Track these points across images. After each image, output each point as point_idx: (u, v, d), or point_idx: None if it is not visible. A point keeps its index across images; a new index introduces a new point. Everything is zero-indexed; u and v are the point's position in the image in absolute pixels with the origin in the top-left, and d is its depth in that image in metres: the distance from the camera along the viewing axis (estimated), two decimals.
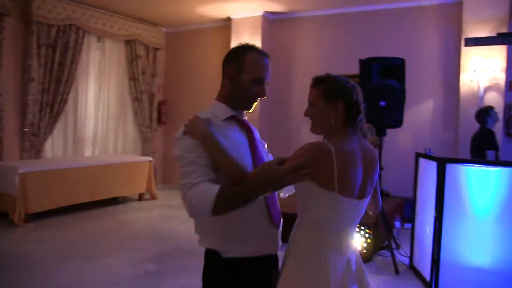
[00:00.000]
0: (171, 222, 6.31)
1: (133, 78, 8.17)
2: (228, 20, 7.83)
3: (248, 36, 7.53)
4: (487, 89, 6.04)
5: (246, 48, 1.85)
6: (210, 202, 1.63)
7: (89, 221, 6.23)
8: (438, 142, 6.23)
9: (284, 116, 7.72)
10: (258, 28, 7.50)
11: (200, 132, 1.73)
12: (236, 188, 1.66)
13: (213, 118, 1.82)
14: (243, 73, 1.81)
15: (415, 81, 6.16)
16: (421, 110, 6.66)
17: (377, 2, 6.79)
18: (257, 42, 7.44)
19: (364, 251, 4.68)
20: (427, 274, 4.09)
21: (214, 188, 1.65)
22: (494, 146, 4.97)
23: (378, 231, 4.87)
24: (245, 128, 1.91)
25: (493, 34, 5.70)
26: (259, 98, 1.87)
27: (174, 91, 8.88)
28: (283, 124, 7.75)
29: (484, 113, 5.16)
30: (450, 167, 3.95)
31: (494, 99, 5.99)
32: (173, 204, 7.42)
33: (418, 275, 4.32)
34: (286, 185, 1.70)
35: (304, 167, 1.65)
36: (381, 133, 4.88)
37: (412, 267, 4.56)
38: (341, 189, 1.71)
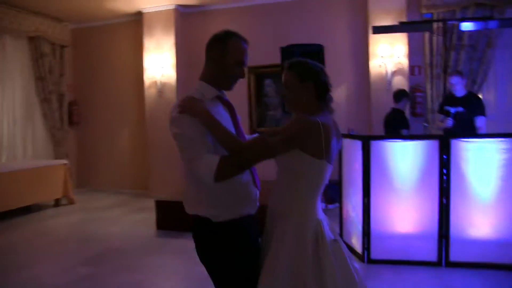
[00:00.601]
0: (96, 224, 5.90)
1: (40, 78, 7.51)
2: (139, 14, 7.49)
3: (161, 30, 7.27)
4: (393, 74, 6.40)
5: (229, 34, 2.01)
6: (212, 172, 1.83)
7: (4, 233, 5.62)
8: (354, 123, 6.50)
9: None
10: (171, 22, 7.26)
11: (199, 111, 1.88)
12: (235, 158, 1.88)
13: (201, 98, 1.98)
14: (227, 56, 1.99)
15: (331, 67, 6.35)
16: (337, 94, 6.90)
17: None
18: (171, 36, 7.24)
19: None
20: (359, 247, 4.23)
21: (215, 159, 1.85)
22: (407, 125, 5.30)
23: None
24: (228, 106, 2.09)
25: (396, 23, 6.07)
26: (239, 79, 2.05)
27: (85, 90, 8.33)
28: None
29: (402, 95, 5.46)
30: (374, 144, 4.12)
31: (400, 83, 6.37)
32: (94, 207, 6.97)
33: (350, 249, 4.45)
34: (279, 154, 1.92)
35: (295, 136, 1.87)
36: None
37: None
38: (327, 156, 1.95)
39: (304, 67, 2.03)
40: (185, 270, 4.17)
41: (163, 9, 7.25)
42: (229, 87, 2.09)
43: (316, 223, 1.97)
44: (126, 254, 4.69)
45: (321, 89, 2.02)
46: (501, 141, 3.87)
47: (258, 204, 2.10)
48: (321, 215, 2.03)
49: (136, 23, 7.68)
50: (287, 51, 4.90)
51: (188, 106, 1.90)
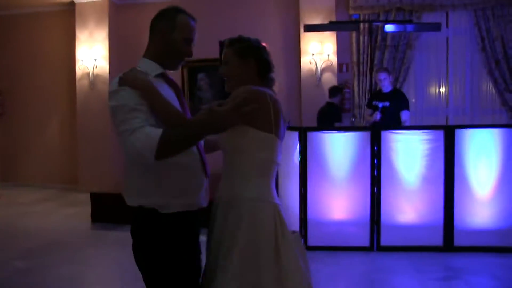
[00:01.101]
0: (28, 219, 5.57)
1: None
2: (72, 4, 7.05)
3: (94, 21, 6.92)
4: (323, 70, 6.57)
5: (177, 10, 1.85)
6: (154, 144, 1.59)
7: None
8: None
9: None
10: (104, 14, 6.93)
11: (140, 82, 1.69)
12: (180, 129, 1.66)
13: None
14: (175, 32, 1.81)
15: None
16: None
17: None
18: (104, 28, 6.93)
19: None
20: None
21: (158, 131, 1.61)
22: (340, 118, 5.50)
23: None
24: (173, 85, 1.89)
25: (326, 22, 6.24)
26: (186, 58, 1.86)
27: (10, 80, 7.70)
28: None
29: (337, 90, 5.67)
30: (310, 135, 4.19)
31: (329, 79, 6.56)
32: (21, 202, 6.55)
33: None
34: (228, 127, 1.68)
35: (244, 105, 1.64)
36: None
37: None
38: (276, 131, 1.78)
39: (245, 43, 1.88)
40: (125, 261, 4.01)
41: (97, 0, 6.89)
42: (175, 66, 1.90)
43: (274, 208, 1.77)
44: (63, 247, 4.50)
45: (262, 67, 1.87)
46: (424, 133, 4.11)
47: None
48: (277, 199, 1.82)
49: (68, 13, 7.23)
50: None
51: (129, 78, 1.70)
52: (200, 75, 7.11)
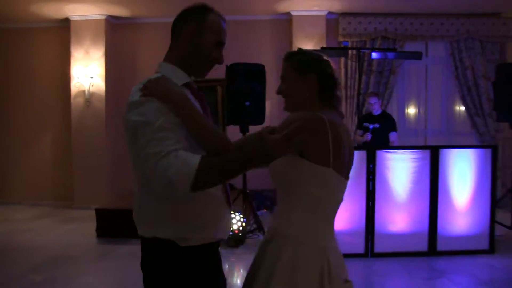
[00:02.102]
0: (27, 235, 5.98)
1: None
2: (66, 21, 7.61)
3: (90, 39, 7.50)
4: None
5: (207, 8, 1.69)
6: (191, 173, 1.40)
7: None
8: None
9: None
10: (101, 32, 7.52)
11: (173, 94, 1.49)
12: (222, 158, 1.50)
13: None
14: (206, 33, 1.66)
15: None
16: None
17: (223, 12, 7.60)
18: (100, 47, 7.53)
19: (240, 234, 5.43)
20: None
21: (195, 157, 1.43)
22: None
23: (247, 216, 5.66)
24: (198, 96, 1.73)
25: (316, 48, 7.14)
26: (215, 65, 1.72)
27: (2, 95, 8.06)
28: None
29: None
30: None
31: None
32: (17, 218, 6.96)
33: None
34: (278, 157, 1.54)
35: (297, 134, 1.55)
36: (245, 130, 5.68)
37: None
38: (335, 164, 1.63)
39: (305, 56, 1.78)
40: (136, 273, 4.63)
41: (93, 18, 7.50)
42: (202, 74, 1.74)
43: (322, 252, 1.63)
44: (74, 261, 4.95)
45: (325, 83, 1.71)
46: (413, 152, 5.01)
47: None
48: (332, 243, 1.70)
49: (62, 29, 7.75)
50: (231, 69, 5.60)
51: (158, 87, 1.50)
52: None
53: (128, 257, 5.03)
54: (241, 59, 7.05)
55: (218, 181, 1.54)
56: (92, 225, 6.18)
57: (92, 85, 7.48)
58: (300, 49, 1.91)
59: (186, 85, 1.66)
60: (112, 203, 6.64)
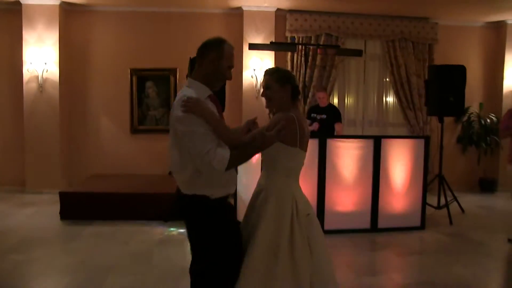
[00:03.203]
0: None
1: None
2: (17, 4, 7.44)
3: (43, 24, 7.41)
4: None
5: (223, 40, 2.45)
6: (225, 163, 2.27)
7: None
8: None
9: (83, 108, 8.02)
10: (55, 18, 7.44)
11: (206, 111, 2.30)
12: (241, 150, 2.37)
13: (199, 96, 2.34)
14: (222, 60, 2.39)
15: None
16: None
17: (174, 5, 7.83)
18: (54, 32, 7.51)
19: None
20: None
21: (227, 152, 2.28)
22: None
23: None
24: (215, 102, 2.47)
25: (266, 42, 7.61)
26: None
27: None
28: (82, 116, 8.03)
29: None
30: None
31: None
32: None
33: None
34: (271, 145, 2.46)
35: (282, 130, 2.43)
36: None
37: None
38: (300, 144, 2.59)
39: (283, 73, 2.69)
40: (107, 250, 4.94)
41: (46, 3, 7.43)
42: (217, 87, 2.48)
43: (292, 197, 2.56)
44: (48, 242, 5.15)
45: (295, 92, 2.65)
46: (359, 141, 5.68)
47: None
48: (297, 192, 2.62)
49: (12, 12, 7.59)
50: (194, 61, 5.91)
51: (194, 106, 2.26)
52: (148, 83, 8.03)
53: (98, 236, 5.35)
54: (190, 50, 7.38)
55: (239, 165, 2.44)
56: (50, 209, 6.40)
57: (46, 71, 7.43)
58: (278, 67, 2.83)
59: (208, 96, 2.43)
60: (77, 187, 6.80)
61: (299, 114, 2.66)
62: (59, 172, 7.61)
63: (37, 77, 7.45)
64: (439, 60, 8.11)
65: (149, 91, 8.08)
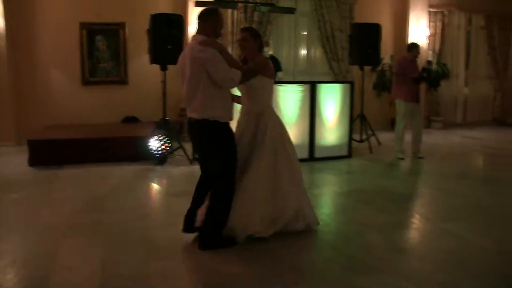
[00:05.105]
0: None
1: None
2: None
3: None
4: None
5: (217, 10, 3.74)
6: (238, 78, 3.48)
7: None
8: None
9: (32, 61, 8.33)
10: None
11: (218, 45, 3.49)
12: (244, 72, 3.55)
13: None
14: (219, 23, 3.61)
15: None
16: None
17: None
18: None
19: (166, 153, 6.76)
20: None
21: (238, 73, 3.48)
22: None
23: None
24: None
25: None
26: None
27: None
28: (31, 68, 8.37)
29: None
30: None
31: None
32: None
33: None
34: (257, 75, 3.70)
35: (264, 66, 3.76)
36: (165, 69, 6.88)
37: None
38: (273, 77, 3.90)
39: (255, 31, 3.96)
40: (96, 183, 5.78)
41: None
42: (219, 37, 3.65)
43: (275, 113, 3.96)
44: (30, 184, 5.72)
45: (261, 43, 3.87)
46: (298, 86, 6.85)
47: None
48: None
49: None
50: (156, 18, 6.65)
51: (212, 43, 3.40)
52: (98, 37, 8.53)
53: (75, 177, 6.06)
54: (144, 9, 8.06)
55: (244, 81, 3.62)
56: (12, 159, 6.92)
57: None
58: (251, 27, 3.94)
59: None
60: (45, 134, 7.30)
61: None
62: (10, 124, 7.97)
63: None
64: (358, 18, 9.41)
65: (99, 44, 8.59)
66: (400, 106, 7.13)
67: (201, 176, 3.87)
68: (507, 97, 11.81)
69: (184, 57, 3.57)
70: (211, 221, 3.61)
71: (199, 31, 3.56)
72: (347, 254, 3.58)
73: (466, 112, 11.61)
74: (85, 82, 8.63)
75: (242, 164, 3.75)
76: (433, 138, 7.31)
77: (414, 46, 7.16)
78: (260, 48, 3.87)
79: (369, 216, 4.55)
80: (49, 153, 6.68)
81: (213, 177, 3.65)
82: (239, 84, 3.60)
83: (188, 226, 3.79)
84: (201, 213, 3.75)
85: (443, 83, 10.55)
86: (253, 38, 3.80)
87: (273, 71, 3.90)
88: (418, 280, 3.14)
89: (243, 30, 4.02)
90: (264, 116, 3.83)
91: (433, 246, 3.81)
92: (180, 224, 3.78)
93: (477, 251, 3.68)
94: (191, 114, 3.62)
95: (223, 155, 3.59)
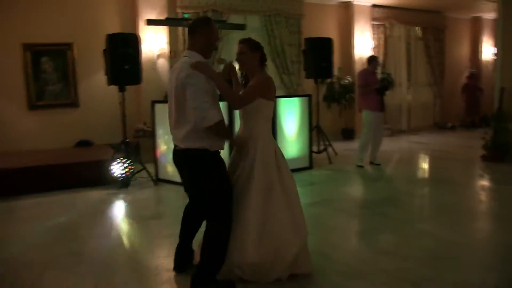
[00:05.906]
0: None
1: None
2: None
3: None
4: (158, 56, 8.76)
5: (211, 20, 3.20)
6: (211, 123, 2.92)
7: None
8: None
9: None
10: None
11: (211, 71, 3.00)
12: (236, 102, 3.17)
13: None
14: (213, 35, 3.13)
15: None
16: None
17: None
18: None
19: (129, 175, 6.68)
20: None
21: (218, 117, 2.94)
22: None
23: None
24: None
25: (160, 17, 8.44)
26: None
27: None
28: None
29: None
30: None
31: (163, 64, 8.80)
32: None
33: (167, 181, 6.78)
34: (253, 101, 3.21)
35: (264, 88, 3.24)
36: (123, 90, 6.83)
37: (158, 179, 6.94)
38: (273, 99, 3.36)
39: (254, 42, 3.29)
40: (65, 212, 5.63)
41: None
42: (210, 56, 3.17)
43: (272, 141, 3.35)
44: None
45: (263, 57, 3.30)
46: None
47: None
48: (272, 135, 3.38)
49: None
50: (112, 38, 6.59)
51: (202, 67, 2.91)
52: (44, 59, 8.26)
53: (34, 208, 5.75)
54: (93, 29, 7.97)
55: (222, 132, 3.10)
56: None
57: None
58: (249, 38, 3.39)
59: None
60: None
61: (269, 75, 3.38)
62: None
63: None
64: (306, 32, 9.81)
65: (46, 66, 8.30)
66: (368, 116, 7.47)
67: (189, 204, 3.56)
68: (445, 102, 12.71)
69: (171, 78, 3.17)
70: (205, 264, 3.18)
71: (190, 46, 3.15)
72: (337, 260, 3.74)
73: (410, 119, 12.35)
74: (32, 107, 8.24)
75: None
76: (383, 145, 7.73)
77: (374, 58, 7.64)
78: (262, 61, 3.34)
79: (347, 224, 4.77)
80: None
81: (207, 216, 3.24)
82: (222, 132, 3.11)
83: (181, 264, 3.54)
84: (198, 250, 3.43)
85: (388, 92, 11.14)
86: (251, 50, 3.26)
87: (274, 91, 3.35)
88: (409, 278, 3.35)
89: (240, 41, 3.33)
90: (256, 140, 3.27)
91: (414, 246, 4.06)
92: (161, 246, 3.78)
93: (451, 246, 4.02)
94: (176, 142, 3.22)
95: (214, 188, 3.11)
